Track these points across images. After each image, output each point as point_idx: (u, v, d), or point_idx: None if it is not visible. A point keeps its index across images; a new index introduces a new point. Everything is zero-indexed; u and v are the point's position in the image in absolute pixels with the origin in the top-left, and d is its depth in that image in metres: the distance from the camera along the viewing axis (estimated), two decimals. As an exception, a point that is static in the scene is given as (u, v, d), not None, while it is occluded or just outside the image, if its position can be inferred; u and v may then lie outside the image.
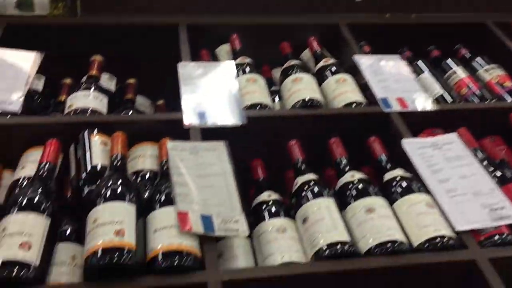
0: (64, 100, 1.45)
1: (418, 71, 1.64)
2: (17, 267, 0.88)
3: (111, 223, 0.94)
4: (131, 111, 1.46)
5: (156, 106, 1.70)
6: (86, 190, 1.12)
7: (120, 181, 1.04)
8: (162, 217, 1.01)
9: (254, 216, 1.13)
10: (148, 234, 0.99)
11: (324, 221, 1.05)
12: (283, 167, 1.33)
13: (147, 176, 1.20)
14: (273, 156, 1.30)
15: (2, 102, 1.27)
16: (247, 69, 1.47)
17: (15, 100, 1.29)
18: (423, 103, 1.43)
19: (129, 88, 1.55)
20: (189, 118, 1.29)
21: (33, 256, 0.90)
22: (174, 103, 1.51)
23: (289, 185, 1.30)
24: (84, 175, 1.15)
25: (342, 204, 1.12)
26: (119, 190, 1.02)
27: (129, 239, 0.93)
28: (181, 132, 1.26)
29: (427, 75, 1.63)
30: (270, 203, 1.16)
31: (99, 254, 0.90)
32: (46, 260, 0.94)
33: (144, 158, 1.25)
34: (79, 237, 1.05)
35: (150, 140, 1.29)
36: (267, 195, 1.18)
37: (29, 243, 0.91)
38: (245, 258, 1.07)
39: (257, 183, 1.26)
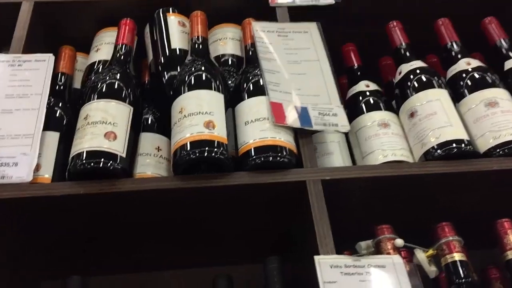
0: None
1: None
2: (103, 158, 0.82)
3: (200, 113, 0.85)
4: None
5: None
6: (166, 75, 1.02)
7: (204, 67, 0.93)
8: (253, 108, 0.90)
9: (349, 109, 1.00)
10: (238, 127, 0.90)
11: (436, 115, 0.91)
12: (378, 54, 1.17)
13: (229, 62, 1.08)
14: (368, 41, 1.15)
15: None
16: None
17: None
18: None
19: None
20: (275, -3, 1.12)
21: (119, 147, 0.84)
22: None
23: (385, 74, 1.16)
24: (162, 59, 1.04)
25: (455, 96, 0.97)
26: (204, 76, 0.91)
27: (220, 132, 0.84)
28: (265, 12, 1.11)
29: None
30: (368, 94, 1.03)
31: (188, 148, 0.82)
32: (131, 151, 0.87)
33: (225, 41, 1.12)
34: (162, 127, 0.98)
35: (230, 21, 1.15)
36: (364, 85, 1.05)
37: (114, 133, 0.84)
38: (340, 155, 0.97)
39: (350, 72, 1.11)
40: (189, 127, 0.84)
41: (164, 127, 0.98)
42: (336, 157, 0.96)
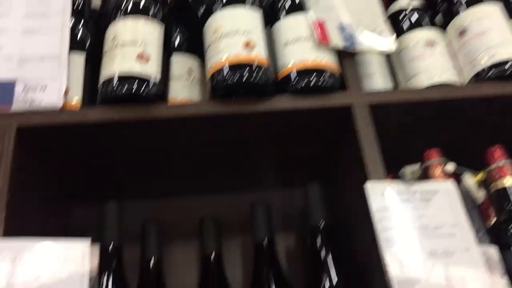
0: None
1: None
2: (136, 82, 0.77)
3: (237, 33, 0.78)
4: None
5: None
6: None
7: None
8: (293, 27, 0.83)
9: (391, 27, 0.93)
10: (277, 48, 0.84)
11: (489, 33, 0.85)
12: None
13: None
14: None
15: None
16: None
17: None
18: None
19: None
20: None
21: (152, 70, 0.78)
22: None
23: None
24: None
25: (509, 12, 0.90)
26: (240, -8, 0.84)
27: (260, 53, 0.78)
28: None
29: None
30: (411, 10, 0.95)
31: (225, 72, 0.76)
32: (164, 73, 0.82)
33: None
34: (192, 47, 0.92)
35: None
36: (406, 2, 0.97)
37: (146, 55, 0.78)
38: (382, 77, 0.92)
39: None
40: (226, 48, 0.78)
41: (194, 46, 0.93)
42: (377, 78, 0.91)
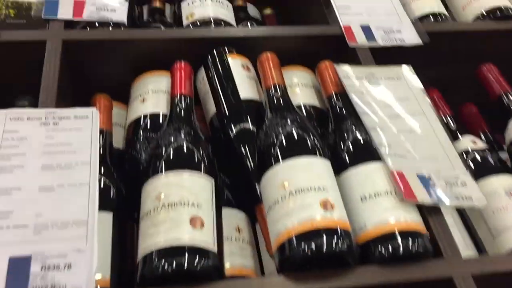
0: (160, 6, 1.13)
1: None
2: (189, 254, 0.60)
3: (312, 189, 0.65)
4: (252, 24, 1.13)
5: (263, 17, 1.35)
6: (234, 129, 0.81)
7: (299, 125, 0.74)
8: (368, 179, 0.70)
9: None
10: (351, 203, 0.70)
11: None
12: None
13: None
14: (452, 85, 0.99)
15: (102, 8, 0.94)
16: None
17: (119, 6, 0.95)
18: None
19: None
20: (352, 33, 0.95)
21: (208, 236, 0.62)
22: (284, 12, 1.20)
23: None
24: (228, 111, 0.84)
25: None
26: (305, 138, 0.71)
27: (341, 215, 0.64)
28: (339, 53, 0.94)
29: None
30: (479, 153, 0.86)
31: (300, 241, 0.61)
32: (219, 238, 0.66)
33: (298, 89, 0.93)
34: (236, 197, 0.79)
35: (297, 63, 0.97)
36: (471, 141, 0.88)
37: (200, 218, 0.63)
38: (458, 231, 0.79)
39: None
40: (298, 210, 0.64)
41: (238, 197, 0.79)
42: (453, 233, 0.78)
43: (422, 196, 0.69)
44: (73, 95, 0.91)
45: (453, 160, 0.76)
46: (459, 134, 0.91)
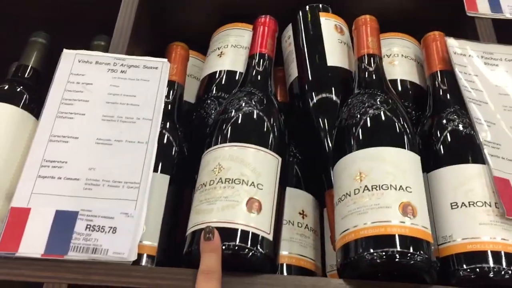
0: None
1: None
2: (239, 240, 0.53)
3: (392, 188, 0.55)
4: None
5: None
6: (314, 98, 0.71)
7: (389, 108, 0.62)
8: (463, 183, 0.58)
9: None
10: (437, 207, 0.59)
11: None
12: None
13: (402, 93, 0.76)
14: None
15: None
16: None
17: None
18: None
19: None
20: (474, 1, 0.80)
21: (264, 223, 0.55)
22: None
23: None
24: (311, 77, 0.74)
25: None
26: (392, 126, 0.60)
27: (423, 222, 0.54)
28: (451, 21, 0.79)
29: None
30: None
31: (370, 244, 0.52)
32: (277, 225, 0.59)
33: (393, 59, 0.81)
34: (306, 177, 0.70)
35: (396, 30, 0.84)
36: None
37: (259, 201, 0.56)
38: None
39: None
40: (375, 210, 0.54)
41: (308, 178, 0.71)
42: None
43: (529, 215, 0.56)
44: (148, 40, 0.85)
45: None
46: None
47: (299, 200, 0.67)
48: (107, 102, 0.66)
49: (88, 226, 0.56)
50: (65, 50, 0.70)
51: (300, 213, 0.66)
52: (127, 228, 0.56)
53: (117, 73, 0.69)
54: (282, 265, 0.62)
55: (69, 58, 0.69)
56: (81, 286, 0.53)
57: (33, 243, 0.54)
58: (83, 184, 0.59)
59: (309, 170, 0.71)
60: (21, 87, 0.73)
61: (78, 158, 0.61)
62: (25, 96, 0.72)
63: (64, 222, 0.56)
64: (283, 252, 0.62)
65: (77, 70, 0.68)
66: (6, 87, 0.73)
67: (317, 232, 0.67)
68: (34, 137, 0.63)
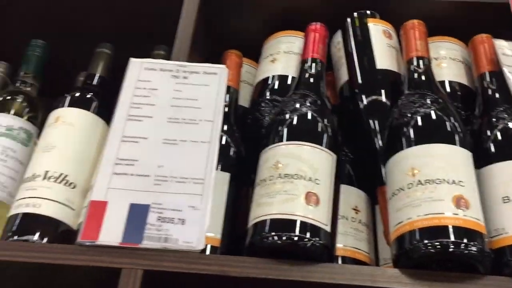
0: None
1: None
2: (300, 231, 0.57)
3: (445, 181, 0.57)
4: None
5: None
6: (365, 100, 0.75)
7: (440, 106, 0.65)
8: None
9: None
10: (489, 201, 0.61)
11: None
12: None
13: (450, 94, 0.79)
14: None
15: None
16: None
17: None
18: None
19: None
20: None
21: (322, 215, 0.59)
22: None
23: None
24: (361, 79, 0.77)
25: None
26: (445, 122, 0.63)
27: (476, 215, 0.57)
28: (501, 27, 0.81)
29: None
30: None
31: (424, 235, 0.55)
32: (334, 218, 0.62)
33: (440, 61, 0.83)
34: (358, 175, 0.74)
35: (447, 34, 0.86)
36: None
37: (316, 195, 0.60)
38: None
39: None
40: (427, 202, 0.57)
41: (360, 175, 0.74)
42: None
43: None
44: (204, 48, 0.91)
45: None
46: None
47: (352, 196, 0.71)
48: (172, 105, 0.71)
49: (159, 218, 0.61)
50: (132, 59, 0.76)
51: (353, 209, 0.70)
52: (194, 220, 0.61)
53: (180, 79, 0.74)
54: (337, 257, 0.65)
55: (136, 66, 0.75)
56: (155, 271, 0.58)
57: (111, 232, 0.60)
58: (153, 180, 0.64)
59: (360, 168, 0.74)
60: (91, 93, 0.80)
61: (148, 156, 0.66)
62: (94, 101, 0.79)
63: (137, 214, 0.61)
64: (339, 244, 0.65)
65: (144, 76, 0.74)
66: (78, 94, 0.81)
67: (370, 227, 0.70)
68: (107, 138, 0.68)
